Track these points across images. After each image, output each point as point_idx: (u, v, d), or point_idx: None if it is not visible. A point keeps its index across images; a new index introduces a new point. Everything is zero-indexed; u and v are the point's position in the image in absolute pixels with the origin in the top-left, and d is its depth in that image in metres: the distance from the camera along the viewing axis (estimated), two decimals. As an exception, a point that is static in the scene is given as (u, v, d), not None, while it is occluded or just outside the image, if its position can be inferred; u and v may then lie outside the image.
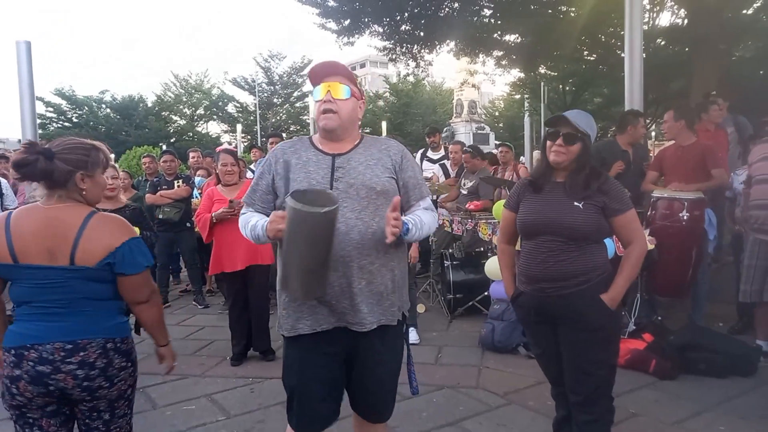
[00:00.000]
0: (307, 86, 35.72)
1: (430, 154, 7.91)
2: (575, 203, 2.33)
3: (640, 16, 5.78)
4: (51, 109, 33.12)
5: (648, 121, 15.26)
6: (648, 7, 10.64)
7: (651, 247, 4.14)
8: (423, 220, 2.10)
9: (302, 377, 2.08)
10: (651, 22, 11.42)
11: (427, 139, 8.10)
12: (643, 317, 4.49)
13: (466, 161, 6.72)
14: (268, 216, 2.04)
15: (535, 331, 2.59)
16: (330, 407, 2.11)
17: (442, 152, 7.93)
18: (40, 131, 7.32)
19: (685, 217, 4.17)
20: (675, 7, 10.93)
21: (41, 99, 30.52)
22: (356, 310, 2.02)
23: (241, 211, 2.21)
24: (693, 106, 5.70)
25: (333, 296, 2.01)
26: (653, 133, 20.37)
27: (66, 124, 33.58)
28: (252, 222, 2.09)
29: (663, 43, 11.70)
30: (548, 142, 2.39)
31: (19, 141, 8.60)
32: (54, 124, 33.27)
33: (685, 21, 10.05)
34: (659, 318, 4.52)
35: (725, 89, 7.61)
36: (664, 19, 14.00)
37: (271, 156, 2.15)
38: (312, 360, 2.07)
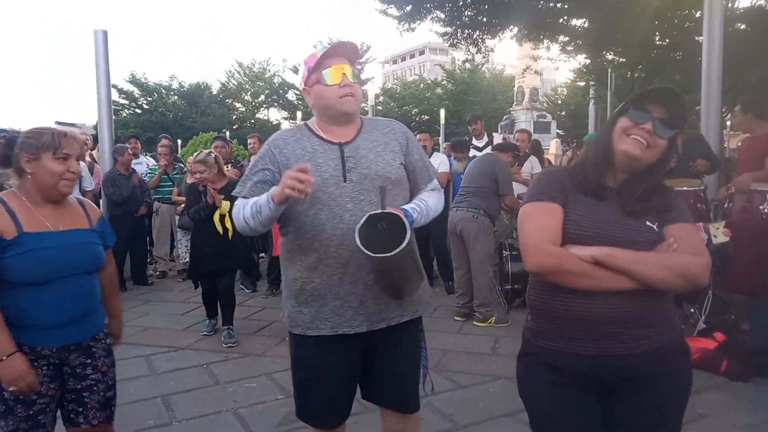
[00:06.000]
0: (366, 73, 35.80)
1: (475, 142, 7.80)
2: (647, 222, 1.57)
3: (720, -4, 5.44)
4: (123, 96, 34.65)
5: (724, 110, 14.48)
6: (727, -13, 10.05)
7: (726, 239, 3.93)
8: (428, 204, 2.04)
9: (321, 372, 2.01)
10: (729, 4, 10.77)
11: (469, 127, 8.03)
12: (713, 316, 4.27)
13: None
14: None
15: (568, 403, 1.61)
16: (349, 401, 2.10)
17: (485, 139, 7.80)
18: (113, 117, 7.70)
19: (766, 210, 3.94)
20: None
21: (115, 86, 31.99)
22: (385, 306, 1.96)
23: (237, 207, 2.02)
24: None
25: (358, 296, 1.94)
26: (728, 123, 19.31)
27: (137, 110, 35.12)
28: (250, 205, 1.91)
29: (743, 27, 11.02)
30: (626, 123, 1.57)
31: (95, 126, 9.04)
32: (126, 110, 34.85)
33: (769, 2, 9.44)
34: (732, 317, 4.28)
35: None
36: (745, 1, 13.18)
37: (272, 147, 1.99)
38: (330, 357, 2.00)
